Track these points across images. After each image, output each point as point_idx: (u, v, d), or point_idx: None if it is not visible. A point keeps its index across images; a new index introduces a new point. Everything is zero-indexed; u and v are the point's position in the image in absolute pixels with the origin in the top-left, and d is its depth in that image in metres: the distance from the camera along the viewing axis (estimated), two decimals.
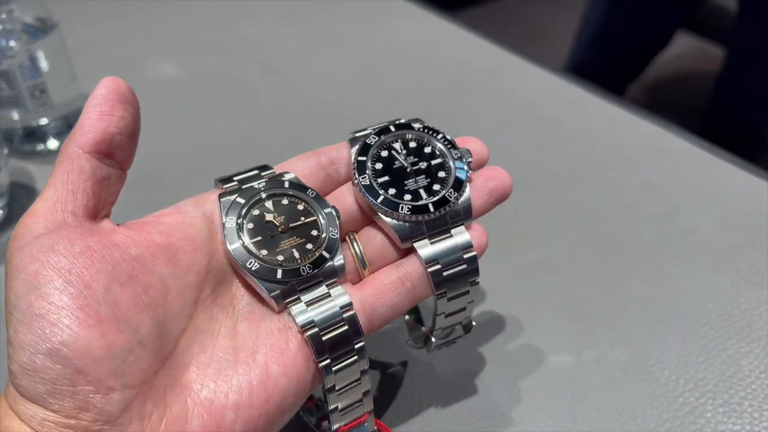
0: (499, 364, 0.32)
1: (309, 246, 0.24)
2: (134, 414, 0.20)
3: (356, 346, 0.24)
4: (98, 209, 0.22)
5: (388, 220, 0.25)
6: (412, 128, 0.27)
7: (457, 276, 0.26)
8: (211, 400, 0.21)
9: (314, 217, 0.25)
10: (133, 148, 0.23)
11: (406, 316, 0.32)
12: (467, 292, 0.26)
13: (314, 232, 0.25)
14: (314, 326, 0.23)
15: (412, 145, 0.27)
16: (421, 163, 0.27)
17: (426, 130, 0.27)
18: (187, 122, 0.50)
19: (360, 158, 0.26)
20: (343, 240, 0.26)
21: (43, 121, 0.45)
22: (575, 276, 0.37)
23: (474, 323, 0.29)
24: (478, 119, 0.50)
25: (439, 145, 0.27)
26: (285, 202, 0.25)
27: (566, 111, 0.51)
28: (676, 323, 0.34)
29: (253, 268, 0.23)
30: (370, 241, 0.26)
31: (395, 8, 0.66)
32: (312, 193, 0.25)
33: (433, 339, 0.28)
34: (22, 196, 0.42)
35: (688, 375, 0.32)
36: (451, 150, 0.27)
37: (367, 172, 0.26)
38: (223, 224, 0.24)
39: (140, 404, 0.20)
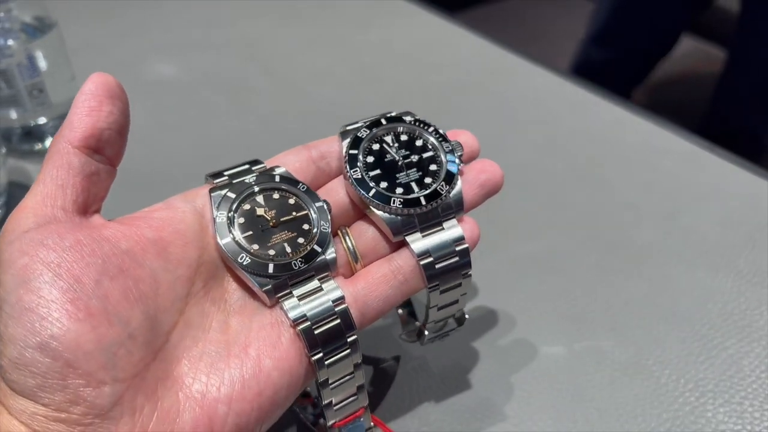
0: (499, 364, 0.32)
1: (300, 240, 0.24)
2: (125, 407, 0.20)
3: (349, 340, 0.24)
4: (88, 204, 0.22)
5: (379, 213, 0.25)
6: (404, 121, 0.27)
7: (449, 269, 0.26)
8: (203, 394, 0.21)
9: (305, 211, 0.25)
10: (122, 144, 0.23)
11: (399, 310, 0.32)
12: (459, 285, 0.26)
13: (305, 226, 0.24)
14: (306, 320, 0.23)
15: (404, 138, 0.27)
16: (412, 156, 0.27)
17: (417, 123, 0.27)
18: (186, 122, 0.50)
19: (351, 152, 0.26)
20: (335, 234, 0.26)
21: (42, 120, 0.45)
22: (576, 275, 0.37)
23: (467, 316, 0.29)
24: (478, 119, 0.50)
25: (431, 138, 0.27)
26: (276, 196, 0.25)
27: (567, 111, 0.51)
28: (677, 323, 0.34)
29: (244, 263, 0.23)
30: (362, 235, 0.26)
31: (395, 8, 0.66)
32: (303, 187, 0.25)
33: (426, 332, 0.28)
34: (20, 195, 0.41)
35: (689, 374, 0.31)
36: (443, 143, 0.27)
37: (358, 165, 0.26)
38: (214, 219, 0.23)
39: (131, 398, 0.20)
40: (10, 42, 0.42)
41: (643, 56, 1.20)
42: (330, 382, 0.24)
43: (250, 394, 0.22)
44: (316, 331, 0.23)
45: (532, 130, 0.49)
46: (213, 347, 0.22)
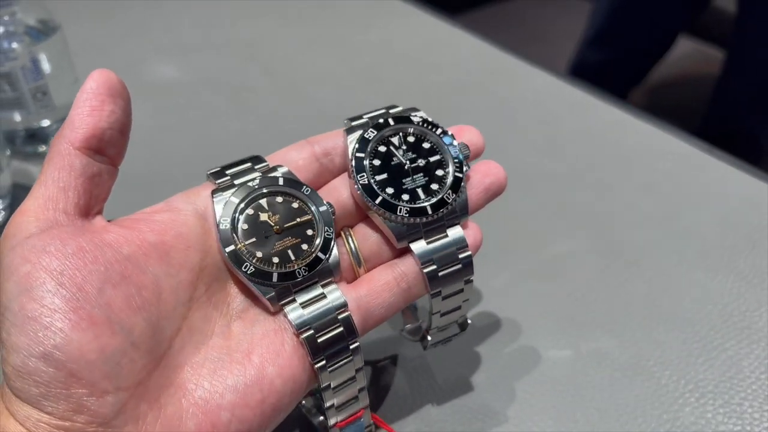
0: (500, 365, 0.32)
1: (304, 246, 0.24)
2: (129, 416, 0.20)
3: (351, 347, 0.24)
4: (90, 206, 0.22)
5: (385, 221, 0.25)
6: (411, 122, 0.27)
7: (452, 275, 0.26)
8: (206, 400, 0.21)
9: (309, 216, 0.24)
10: (124, 143, 0.23)
11: None
12: (462, 291, 0.26)
13: (309, 232, 0.24)
14: (310, 328, 0.23)
15: (411, 139, 0.27)
16: (419, 161, 0.26)
17: (425, 125, 0.27)
18: (187, 122, 0.50)
19: (358, 155, 0.25)
20: (337, 235, 0.26)
21: (45, 122, 0.45)
22: (575, 277, 0.37)
23: (469, 321, 0.29)
24: (478, 121, 0.50)
25: (439, 141, 0.27)
26: (279, 200, 0.24)
27: (566, 113, 0.51)
28: (677, 324, 0.34)
29: (248, 272, 0.23)
30: (366, 240, 0.26)
31: (395, 10, 0.66)
32: (307, 190, 0.25)
33: (429, 337, 0.28)
34: (23, 197, 0.41)
35: (689, 376, 0.32)
36: (450, 147, 0.27)
37: (365, 171, 0.25)
38: (217, 224, 0.23)
39: (134, 406, 0.20)
40: (14, 45, 0.42)
41: (640, 57, 1.20)
42: (332, 386, 0.24)
43: (253, 401, 0.22)
44: (319, 340, 0.23)
45: (531, 132, 0.49)
46: (215, 353, 0.22)
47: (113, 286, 0.20)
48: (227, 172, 0.25)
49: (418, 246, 0.25)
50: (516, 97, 0.53)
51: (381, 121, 0.27)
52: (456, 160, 0.26)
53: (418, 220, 0.25)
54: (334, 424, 0.25)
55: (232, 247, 0.23)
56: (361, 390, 0.25)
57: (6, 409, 0.20)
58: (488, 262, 0.37)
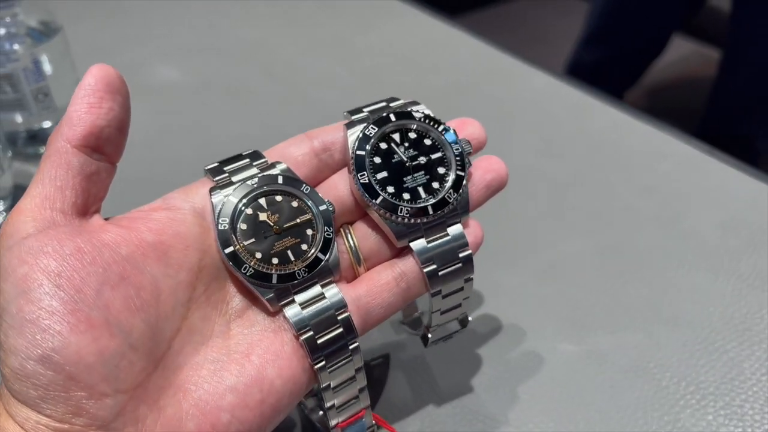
0: (500, 367, 0.32)
1: (304, 246, 0.24)
2: (128, 418, 0.20)
3: (351, 347, 0.24)
4: (88, 206, 0.22)
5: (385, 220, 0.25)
6: (413, 117, 0.26)
7: (452, 274, 0.26)
8: (206, 402, 0.21)
9: (309, 216, 0.24)
10: (123, 140, 0.22)
11: None
12: (462, 289, 0.26)
13: (309, 231, 0.24)
14: (309, 329, 0.23)
15: (412, 135, 0.26)
16: (420, 158, 0.26)
17: (427, 120, 0.26)
18: (190, 125, 0.50)
19: (359, 152, 0.25)
20: (336, 232, 0.25)
21: (47, 124, 0.45)
22: (576, 279, 0.37)
23: (470, 318, 0.29)
24: (479, 121, 0.50)
25: (440, 138, 0.26)
26: (279, 198, 0.24)
27: (566, 114, 0.51)
28: (678, 326, 0.34)
29: (248, 274, 0.22)
30: (366, 238, 0.26)
31: (396, 12, 0.66)
32: (306, 189, 0.24)
33: (430, 335, 0.28)
34: None
35: (690, 377, 0.32)
36: (452, 144, 0.26)
37: (365, 169, 0.25)
38: (216, 225, 0.23)
39: (134, 408, 0.20)
40: (16, 46, 0.42)
41: (636, 56, 1.20)
42: (332, 386, 0.24)
43: (253, 402, 0.22)
44: (318, 341, 0.23)
45: (531, 133, 0.49)
46: (215, 354, 0.22)
47: (112, 288, 0.20)
48: (225, 168, 0.24)
49: (419, 245, 0.25)
50: (516, 99, 0.53)
51: (382, 116, 0.26)
52: (458, 158, 0.26)
53: (419, 220, 0.25)
54: (336, 425, 0.25)
55: (231, 249, 0.23)
56: (361, 390, 0.25)
57: (5, 410, 0.20)
58: (488, 263, 0.37)
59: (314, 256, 0.24)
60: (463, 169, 0.26)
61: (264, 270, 0.23)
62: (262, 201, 0.24)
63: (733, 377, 0.32)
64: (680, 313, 0.35)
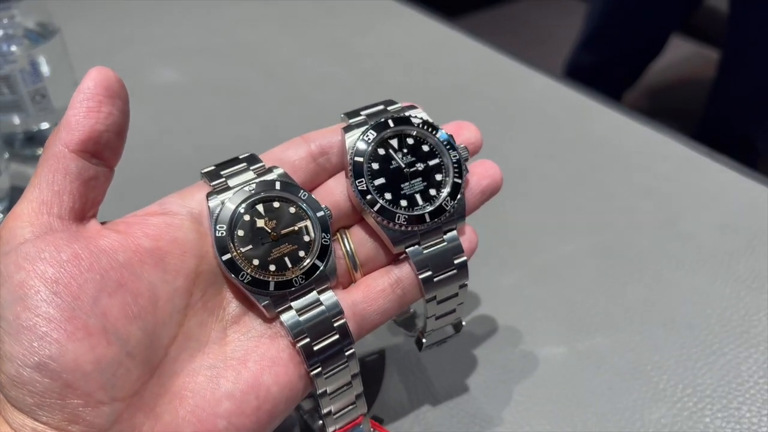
0: (497, 369, 0.32)
1: (301, 253, 0.24)
2: (124, 426, 0.20)
3: (347, 353, 0.24)
4: (85, 211, 0.21)
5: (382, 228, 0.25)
6: (411, 123, 0.26)
7: (447, 280, 0.26)
8: (203, 409, 0.21)
9: (306, 222, 0.24)
10: (121, 145, 0.22)
11: None
12: (456, 295, 0.27)
13: (306, 238, 0.24)
14: (306, 336, 0.23)
15: (410, 141, 0.26)
16: (418, 164, 0.26)
17: (425, 126, 0.26)
18: (188, 127, 0.50)
19: (356, 158, 0.25)
20: (333, 236, 0.25)
21: (44, 125, 0.45)
22: (573, 281, 0.37)
23: (464, 323, 0.29)
24: (478, 124, 0.50)
25: (438, 144, 0.26)
26: (276, 205, 0.24)
27: (565, 116, 0.51)
28: (675, 328, 0.34)
29: (245, 281, 0.22)
30: (363, 244, 0.26)
31: (395, 14, 0.66)
32: (304, 195, 0.24)
33: (425, 340, 0.28)
34: None
35: (687, 380, 0.32)
36: (450, 151, 0.26)
37: (363, 176, 0.25)
38: (214, 232, 0.23)
39: (130, 416, 0.20)
40: (13, 48, 0.42)
41: (634, 57, 1.20)
42: (328, 392, 0.24)
43: (249, 409, 0.22)
44: (315, 347, 0.23)
45: (530, 135, 0.49)
46: (211, 360, 0.22)
47: (109, 295, 0.20)
48: (222, 172, 0.24)
49: (415, 252, 0.25)
50: (514, 100, 0.53)
51: (381, 121, 0.26)
52: (455, 165, 0.26)
53: (416, 228, 0.25)
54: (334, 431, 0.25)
55: (228, 256, 0.23)
56: (358, 396, 0.25)
57: (1, 416, 0.20)
58: (486, 265, 0.37)
59: (311, 263, 0.24)
60: (460, 177, 0.26)
61: (261, 277, 0.23)
62: (260, 207, 0.24)
63: (731, 380, 0.32)
64: (678, 315, 0.35)
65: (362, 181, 0.25)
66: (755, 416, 0.30)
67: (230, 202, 0.23)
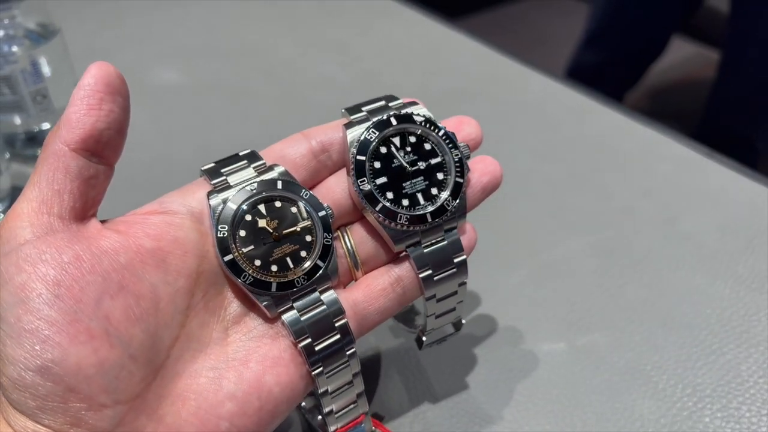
0: (498, 368, 0.32)
1: (303, 254, 0.24)
2: (127, 429, 0.20)
3: (348, 352, 0.24)
4: (86, 210, 0.21)
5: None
6: (414, 121, 0.26)
7: (446, 278, 0.26)
8: (205, 410, 0.21)
9: (308, 222, 0.24)
10: (121, 142, 0.22)
11: None
12: (456, 293, 0.27)
13: (308, 238, 0.24)
14: (307, 336, 0.23)
15: (412, 139, 0.26)
16: (420, 163, 0.26)
17: (427, 124, 0.26)
18: (189, 127, 0.50)
19: (359, 158, 0.25)
20: (334, 234, 0.25)
21: (45, 126, 0.46)
22: (574, 281, 0.37)
23: (463, 321, 0.29)
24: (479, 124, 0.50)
25: (440, 142, 0.26)
26: (278, 204, 0.24)
27: (566, 117, 0.51)
28: (675, 328, 0.34)
29: (247, 282, 0.22)
30: (364, 243, 0.26)
31: (397, 15, 0.66)
32: (306, 194, 0.24)
33: (425, 338, 0.28)
34: None
35: (687, 380, 0.32)
36: (452, 149, 0.26)
37: (365, 175, 0.25)
38: (216, 232, 0.23)
39: (133, 419, 0.20)
40: (14, 48, 0.42)
41: (635, 57, 1.20)
42: (330, 391, 0.24)
43: (251, 410, 0.22)
44: (316, 347, 0.23)
45: (531, 135, 0.49)
46: (213, 361, 0.22)
47: (111, 297, 0.20)
48: (222, 170, 0.24)
49: (415, 251, 0.25)
50: (516, 101, 0.53)
51: (383, 120, 0.26)
52: (457, 164, 0.26)
53: (417, 227, 0.25)
54: (335, 431, 0.25)
55: (230, 256, 0.22)
56: (359, 395, 0.25)
57: (3, 418, 0.20)
58: (486, 264, 0.37)
59: (313, 263, 0.24)
60: (462, 176, 0.26)
61: (263, 278, 0.23)
62: (262, 207, 0.24)
63: (731, 380, 0.32)
64: (678, 315, 0.35)
65: (364, 181, 0.25)
66: (755, 416, 0.30)
67: (232, 201, 0.23)
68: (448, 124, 0.28)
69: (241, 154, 0.25)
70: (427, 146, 0.26)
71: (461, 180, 0.26)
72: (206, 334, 0.22)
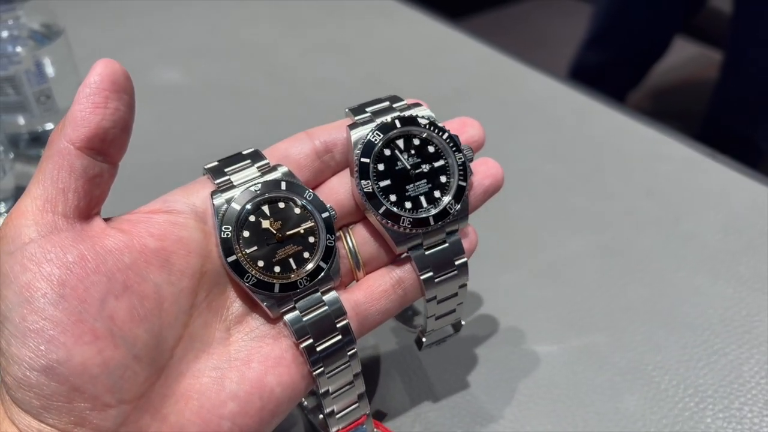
0: (500, 368, 0.32)
1: (306, 255, 0.24)
2: (131, 428, 0.20)
3: (349, 353, 0.24)
4: (90, 208, 0.21)
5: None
6: (418, 124, 0.26)
7: (447, 280, 0.26)
8: (207, 410, 0.21)
9: (311, 224, 0.24)
10: (126, 141, 0.22)
11: None
12: (456, 294, 0.27)
13: (311, 239, 0.24)
14: (309, 337, 0.23)
15: (416, 142, 0.26)
16: (423, 166, 0.26)
17: (431, 127, 0.26)
18: (192, 128, 0.50)
19: (363, 160, 0.25)
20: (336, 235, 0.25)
21: (49, 126, 0.46)
22: (575, 280, 0.37)
23: (463, 323, 0.29)
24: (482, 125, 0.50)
25: (444, 145, 0.26)
26: (281, 205, 0.24)
27: (568, 117, 0.51)
28: (677, 328, 0.34)
29: (250, 283, 0.22)
30: (366, 244, 0.26)
31: (399, 15, 0.66)
32: (309, 195, 0.24)
33: (425, 339, 0.28)
34: None
35: (689, 380, 0.32)
36: (455, 153, 0.26)
37: (369, 177, 0.25)
38: (219, 233, 0.23)
39: (137, 418, 0.20)
40: (19, 49, 0.42)
41: (638, 58, 1.20)
42: (331, 392, 0.24)
43: (253, 410, 0.22)
44: (318, 348, 0.23)
45: (533, 136, 0.49)
46: (215, 361, 0.22)
47: (116, 298, 0.20)
48: (226, 170, 0.24)
49: (417, 253, 0.26)
50: (518, 101, 0.53)
51: (387, 122, 0.26)
52: (461, 167, 0.26)
53: (420, 230, 0.25)
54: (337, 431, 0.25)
55: (233, 257, 0.22)
56: (360, 396, 0.25)
57: (7, 417, 0.20)
58: (488, 265, 0.37)
59: (316, 265, 0.24)
60: (465, 180, 0.26)
61: (266, 279, 0.23)
62: (266, 208, 0.24)
63: (732, 380, 0.32)
64: (680, 316, 0.35)
65: (368, 183, 0.25)
66: (756, 417, 0.30)
67: (236, 202, 0.23)
68: (451, 125, 0.28)
69: (244, 153, 0.25)
70: (431, 149, 0.26)
71: (464, 183, 0.26)
72: (209, 334, 0.23)
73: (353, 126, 0.26)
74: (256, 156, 0.25)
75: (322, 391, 0.24)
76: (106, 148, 0.21)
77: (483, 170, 0.27)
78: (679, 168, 0.45)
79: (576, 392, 0.31)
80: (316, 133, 0.26)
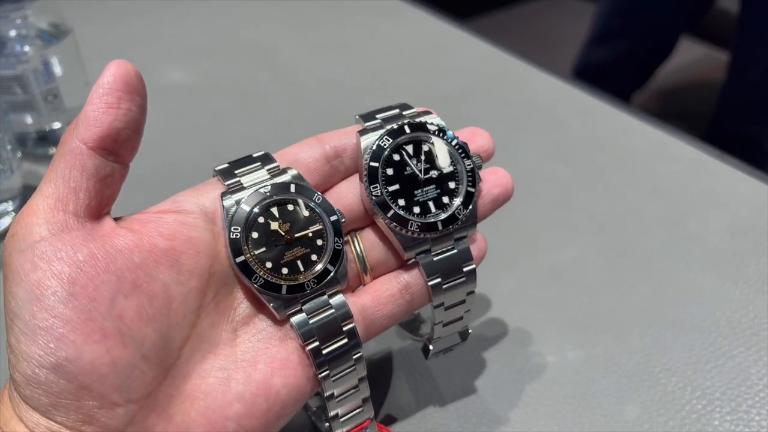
0: (506, 370, 0.32)
1: (314, 257, 0.24)
2: (138, 427, 0.20)
3: (354, 357, 0.24)
4: (101, 208, 0.21)
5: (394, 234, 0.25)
6: (427, 130, 0.26)
7: (455, 287, 0.26)
8: (214, 410, 0.21)
9: (320, 227, 0.24)
10: (138, 141, 0.22)
11: None
12: (464, 301, 0.27)
13: (319, 242, 0.24)
14: (315, 339, 0.23)
15: (425, 148, 0.26)
16: (432, 171, 0.26)
17: (441, 134, 0.26)
18: (197, 127, 0.50)
19: (372, 164, 0.25)
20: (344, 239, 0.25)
21: (56, 125, 0.46)
22: (582, 282, 0.37)
23: (470, 331, 0.29)
24: (486, 125, 0.50)
25: (453, 152, 0.26)
26: (290, 208, 0.24)
27: (574, 117, 0.51)
28: (684, 330, 0.34)
29: (258, 284, 0.23)
30: (374, 248, 0.26)
31: (404, 15, 0.66)
32: (318, 198, 0.24)
33: (431, 347, 0.28)
34: None
35: (696, 382, 0.32)
36: (464, 159, 0.26)
37: (378, 182, 0.25)
38: (228, 233, 0.23)
39: (144, 417, 0.20)
40: (27, 48, 0.43)
41: (643, 57, 1.19)
42: (336, 395, 0.24)
43: (259, 411, 0.22)
44: (324, 351, 0.23)
45: (539, 136, 0.49)
46: (222, 362, 0.22)
47: (125, 297, 0.20)
48: (236, 171, 0.24)
49: (425, 259, 0.26)
50: (524, 101, 0.53)
51: (396, 126, 0.26)
52: (469, 174, 0.26)
53: (428, 235, 0.25)
54: None
55: (242, 258, 0.23)
56: (365, 400, 0.25)
57: (15, 414, 0.20)
58: (494, 266, 0.37)
59: (324, 267, 0.24)
60: (473, 186, 0.26)
61: (274, 281, 0.23)
62: (275, 210, 0.24)
63: (740, 383, 0.31)
64: (687, 317, 0.35)
65: (377, 187, 0.25)
66: (764, 419, 0.30)
67: (245, 203, 0.23)
68: (461, 135, 0.28)
69: (254, 155, 0.25)
70: (440, 155, 0.26)
71: (473, 189, 0.26)
72: (216, 335, 0.23)
73: (363, 132, 0.26)
74: (266, 159, 0.25)
75: (327, 394, 0.24)
76: (117, 148, 0.21)
77: (493, 179, 0.27)
78: (685, 169, 0.45)
79: (582, 394, 0.31)
80: (326, 138, 0.26)
